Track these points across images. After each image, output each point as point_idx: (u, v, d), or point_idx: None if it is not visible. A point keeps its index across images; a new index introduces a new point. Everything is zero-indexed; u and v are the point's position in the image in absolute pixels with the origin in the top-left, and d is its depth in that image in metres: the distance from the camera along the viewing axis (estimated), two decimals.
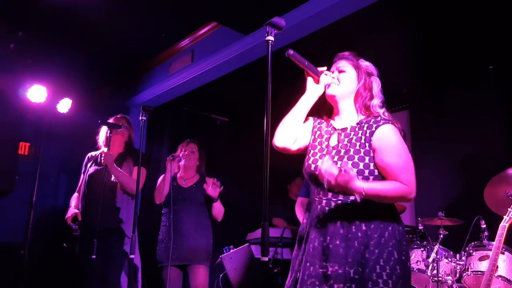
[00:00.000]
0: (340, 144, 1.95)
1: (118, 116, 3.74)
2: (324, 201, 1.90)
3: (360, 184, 1.75)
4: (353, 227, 1.82)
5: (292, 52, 1.88)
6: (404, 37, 3.98)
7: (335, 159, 1.90)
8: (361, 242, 1.80)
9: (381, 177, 1.89)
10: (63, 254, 4.49)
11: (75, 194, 3.66)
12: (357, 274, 1.77)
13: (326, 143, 2.02)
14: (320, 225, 1.88)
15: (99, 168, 3.50)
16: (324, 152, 1.98)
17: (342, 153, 1.92)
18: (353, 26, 3.70)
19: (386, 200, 1.87)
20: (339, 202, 1.87)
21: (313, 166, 1.95)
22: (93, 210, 3.29)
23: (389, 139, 1.88)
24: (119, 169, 3.46)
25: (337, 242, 1.82)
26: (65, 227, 3.46)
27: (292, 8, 3.64)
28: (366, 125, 1.92)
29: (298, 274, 1.93)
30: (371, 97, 1.98)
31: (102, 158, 3.38)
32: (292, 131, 2.01)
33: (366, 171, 1.86)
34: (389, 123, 1.91)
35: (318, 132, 2.07)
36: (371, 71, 2.04)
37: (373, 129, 1.89)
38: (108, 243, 3.32)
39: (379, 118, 1.93)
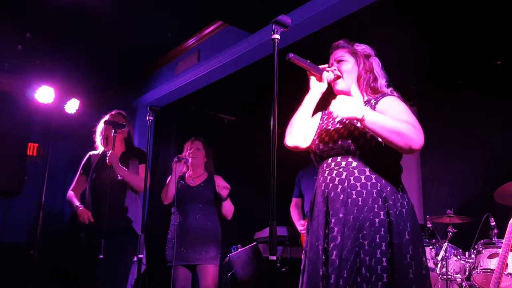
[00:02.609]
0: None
1: (113, 112, 3.68)
2: (326, 171, 1.94)
3: (362, 109, 1.80)
4: (353, 192, 1.84)
5: (292, 55, 1.90)
6: (411, 33, 3.96)
7: (338, 126, 1.98)
8: (360, 208, 1.82)
9: (388, 149, 1.86)
10: (72, 254, 4.52)
11: (71, 193, 3.60)
12: (356, 240, 1.78)
13: (332, 120, 2.07)
14: (323, 192, 1.92)
15: (104, 168, 3.47)
16: (330, 127, 2.03)
17: (347, 123, 1.97)
18: (360, 23, 3.68)
19: (385, 132, 1.76)
20: (341, 169, 1.90)
21: (320, 145, 1.99)
22: (101, 210, 3.29)
23: (393, 103, 1.92)
24: (124, 168, 3.45)
25: (337, 206, 1.85)
26: (75, 227, 3.47)
27: (298, 6, 3.63)
28: (373, 100, 1.97)
29: (307, 243, 1.97)
30: (375, 78, 2.03)
31: (107, 158, 3.39)
32: (301, 130, 2.07)
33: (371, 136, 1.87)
34: (394, 95, 1.98)
35: (326, 117, 2.14)
36: (368, 53, 2.08)
37: (378, 100, 1.95)
38: (118, 243, 3.33)
39: (386, 94, 1.99)
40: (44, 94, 4.86)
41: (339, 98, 1.90)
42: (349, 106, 1.83)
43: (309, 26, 3.73)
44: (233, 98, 5.65)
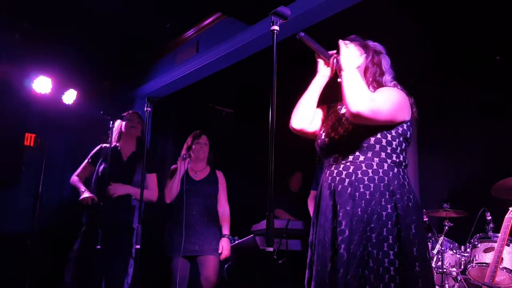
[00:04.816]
0: None
1: (130, 112, 3.79)
2: (333, 166, 1.94)
3: (351, 65, 1.89)
4: (361, 186, 1.84)
5: (303, 34, 1.91)
6: (410, 27, 3.95)
7: (345, 120, 1.98)
8: (368, 202, 1.82)
9: (394, 142, 1.88)
10: (69, 244, 4.52)
11: (76, 178, 3.67)
12: (364, 233, 1.79)
13: (337, 113, 2.08)
14: (330, 185, 1.93)
15: (113, 162, 3.49)
16: (336, 120, 2.04)
17: None
18: (360, 16, 3.66)
19: (344, 89, 1.87)
20: (348, 163, 1.90)
21: (326, 139, 2.00)
22: (106, 205, 3.35)
23: (383, 89, 1.95)
24: (131, 188, 3.53)
25: (345, 199, 1.86)
26: (73, 216, 3.49)
27: None
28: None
29: (314, 237, 1.97)
30: (382, 73, 2.02)
31: (109, 190, 3.42)
32: (307, 112, 2.07)
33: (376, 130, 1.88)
34: (390, 86, 1.98)
35: (332, 109, 2.14)
36: (379, 49, 2.08)
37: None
38: (119, 236, 3.40)
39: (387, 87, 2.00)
40: (42, 84, 4.83)
41: (351, 48, 1.96)
42: (348, 56, 1.91)
43: (308, 18, 3.70)
44: (232, 90, 5.63)
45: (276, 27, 1.74)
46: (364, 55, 2.01)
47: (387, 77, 2.03)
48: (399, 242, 1.77)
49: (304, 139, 2.15)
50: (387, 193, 1.82)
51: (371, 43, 2.08)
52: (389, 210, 1.80)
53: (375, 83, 2.01)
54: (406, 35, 3.96)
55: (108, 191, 3.41)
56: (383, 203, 1.81)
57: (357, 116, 1.82)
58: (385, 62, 2.05)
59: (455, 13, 3.80)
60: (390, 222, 1.79)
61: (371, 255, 1.75)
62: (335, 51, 2.06)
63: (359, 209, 1.82)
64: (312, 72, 2.11)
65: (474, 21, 3.86)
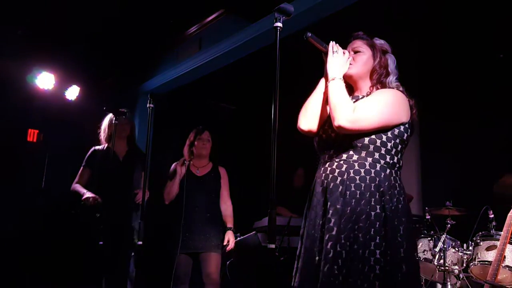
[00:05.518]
0: None
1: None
2: (328, 163, 1.95)
3: (336, 74, 1.94)
4: (352, 185, 1.85)
5: (310, 35, 1.92)
6: (413, 25, 3.94)
7: None
8: (357, 201, 1.83)
9: (389, 144, 1.89)
10: (70, 240, 4.54)
11: (76, 184, 3.68)
12: (352, 232, 1.80)
13: None
14: (322, 182, 1.94)
15: (110, 164, 3.51)
16: None
17: None
18: (362, 13, 3.66)
19: (330, 103, 1.93)
20: (341, 162, 1.90)
21: (323, 135, 2.01)
22: (108, 206, 3.37)
23: (379, 93, 1.96)
24: (141, 194, 3.53)
25: (335, 197, 1.86)
26: (78, 209, 3.52)
27: None
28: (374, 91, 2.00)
29: (304, 230, 1.98)
30: (387, 74, 2.02)
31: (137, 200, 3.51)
32: (315, 114, 2.06)
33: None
34: (391, 87, 1.98)
35: None
36: (386, 49, 2.08)
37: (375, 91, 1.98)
38: (120, 234, 3.43)
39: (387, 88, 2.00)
40: (45, 80, 4.85)
41: (338, 55, 1.98)
42: (334, 65, 1.95)
43: (311, 15, 3.70)
44: (234, 87, 5.63)
45: (279, 24, 1.73)
46: (372, 58, 2.02)
47: (392, 78, 2.03)
48: (386, 242, 1.78)
49: (308, 136, 2.14)
50: (377, 193, 1.83)
51: (377, 42, 2.07)
52: (378, 211, 1.81)
53: (379, 84, 2.01)
54: (408, 33, 3.95)
55: (137, 201, 3.50)
56: (372, 203, 1.82)
57: (339, 129, 1.87)
58: (391, 63, 2.05)
59: (457, 12, 3.78)
60: (378, 223, 1.80)
61: (357, 254, 1.76)
62: (345, 50, 2.05)
63: (349, 208, 1.82)
64: (314, 68, 2.10)
65: (476, 19, 3.84)
